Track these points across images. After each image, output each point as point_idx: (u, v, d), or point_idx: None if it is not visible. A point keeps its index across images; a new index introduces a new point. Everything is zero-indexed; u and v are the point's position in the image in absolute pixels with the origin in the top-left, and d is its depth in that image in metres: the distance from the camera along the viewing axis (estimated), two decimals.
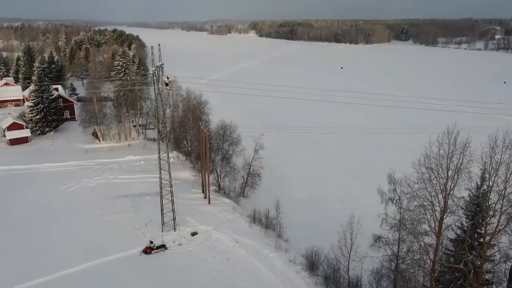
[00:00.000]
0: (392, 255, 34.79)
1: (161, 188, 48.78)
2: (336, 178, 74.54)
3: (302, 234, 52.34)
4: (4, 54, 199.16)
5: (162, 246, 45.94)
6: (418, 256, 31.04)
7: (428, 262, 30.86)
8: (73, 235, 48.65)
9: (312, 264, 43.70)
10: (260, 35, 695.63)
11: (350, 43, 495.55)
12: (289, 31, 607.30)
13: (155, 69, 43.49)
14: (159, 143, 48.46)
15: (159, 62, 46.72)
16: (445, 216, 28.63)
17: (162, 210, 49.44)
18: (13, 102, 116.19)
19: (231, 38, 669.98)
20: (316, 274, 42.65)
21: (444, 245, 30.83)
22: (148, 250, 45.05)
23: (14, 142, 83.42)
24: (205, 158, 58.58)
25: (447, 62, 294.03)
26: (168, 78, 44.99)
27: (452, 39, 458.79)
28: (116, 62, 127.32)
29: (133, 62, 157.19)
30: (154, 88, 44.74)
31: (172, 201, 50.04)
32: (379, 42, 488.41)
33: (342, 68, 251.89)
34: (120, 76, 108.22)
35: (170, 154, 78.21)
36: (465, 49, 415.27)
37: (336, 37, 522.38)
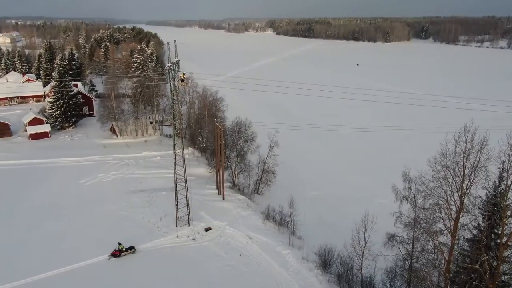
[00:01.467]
0: (406, 254, 34.38)
1: (176, 183, 49.28)
2: (351, 176, 74.02)
3: (315, 232, 52.34)
4: (27, 51, 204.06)
5: (131, 248, 44.55)
6: (433, 255, 30.54)
7: (443, 262, 30.36)
8: (89, 228, 49.59)
9: (325, 262, 43.56)
10: (277, 33, 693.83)
11: (369, 41, 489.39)
12: (306, 29, 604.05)
13: (170, 65, 43.89)
14: (174, 139, 48.92)
15: (175, 58, 47.12)
16: (461, 216, 28.11)
17: (176, 205, 49.96)
18: (34, 98, 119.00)
19: (248, 36, 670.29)
20: (329, 272, 42.49)
21: (459, 245, 30.26)
22: (117, 253, 43.70)
23: (34, 136, 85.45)
24: (220, 155, 58.87)
25: (467, 60, 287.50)
26: (184, 74, 45.34)
27: (474, 37, 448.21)
28: (134, 59, 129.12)
29: (151, 59, 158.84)
30: (170, 84, 45.18)
31: (187, 197, 50.50)
32: (398, 41, 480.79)
33: (358, 65, 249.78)
34: (138, 73, 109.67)
35: (186, 151, 79.08)
36: (487, 47, 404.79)
37: (354, 35, 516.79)
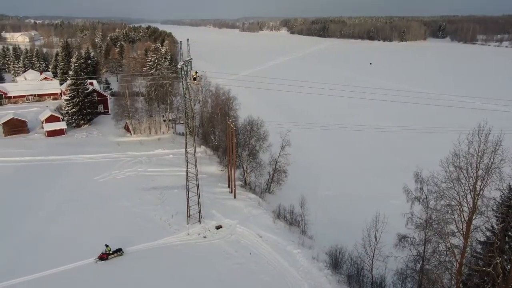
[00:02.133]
0: (417, 256, 33.95)
1: (187, 181, 49.62)
2: (364, 176, 73.50)
3: (327, 232, 52.10)
4: (44, 50, 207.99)
5: (119, 250, 43.56)
6: (445, 257, 30.08)
7: (455, 264, 29.90)
8: (102, 224, 50.32)
9: (335, 262, 43.31)
10: (292, 32, 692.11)
11: (384, 40, 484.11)
12: (321, 28, 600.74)
13: (183, 64, 44.20)
14: (186, 137, 49.25)
15: (187, 57, 47.39)
16: (473, 217, 27.63)
17: (188, 203, 50.31)
18: (51, 96, 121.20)
19: (262, 35, 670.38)
20: (339, 272, 42.24)
21: (472, 247, 29.75)
22: (104, 256, 42.55)
23: (51, 133, 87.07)
24: (231, 153, 59.06)
25: (484, 60, 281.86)
26: (196, 73, 45.61)
27: (492, 37, 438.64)
28: (149, 58, 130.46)
29: (165, 58, 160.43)
30: (182, 82, 45.52)
31: (198, 195, 50.82)
32: (414, 40, 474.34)
33: (371, 64, 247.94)
34: (152, 71, 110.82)
35: (198, 149, 79.64)
36: (506, 47, 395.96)
37: (369, 34, 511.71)
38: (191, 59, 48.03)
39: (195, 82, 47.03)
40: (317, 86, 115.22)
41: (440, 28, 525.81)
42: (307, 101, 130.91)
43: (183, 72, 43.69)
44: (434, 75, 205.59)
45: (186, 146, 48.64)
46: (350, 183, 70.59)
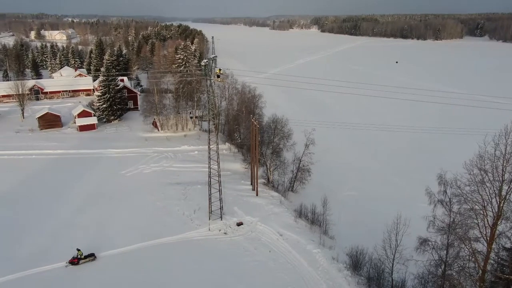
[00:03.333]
0: (439, 260, 32.89)
1: (209, 177, 50.20)
2: (389, 177, 72.06)
3: (349, 233, 51.44)
4: (80, 47, 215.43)
5: (91, 255, 42.38)
6: (467, 263, 29.01)
7: (478, 271, 28.79)
8: (125, 217, 51.71)
9: (355, 263, 42.69)
10: (322, 31, 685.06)
11: (418, 39, 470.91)
12: (352, 26, 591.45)
13: (206, 61, 44.70)
14: (209, 133, 49.82)
15: (213, 54, 47.85)
16: (498, 223, 26.50)
17: (210, 199, 50.92)
18: (84, 92, 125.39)
19: (292, 33, 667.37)
20: (359, 274, 41.61)
21: (497, 254, 28.54)
22: (75, 261, 41.42)
23: (82, 128, 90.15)
24: (254, 151, 59.23)
25: None
26: (219, 70, 46.05)
27: None
28: (178, 56, 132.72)
29: (194, 56, 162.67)
30: (206, 79, 46.03)
31: (220, 191, 51.32)
32: (450, 38, 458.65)
33: (397, 62, 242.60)
34: (181, 69, 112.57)
35: (223, 146, 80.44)
36: None
37: (403, 32, 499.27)
38: (216, 56, 48.50)
39: (219, 79, 47.28)
40: (345, 85, 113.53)
41: (478, 26, 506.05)
42: (335, 99, 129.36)
43: (207, 70, 44.18)
44: (468, 74, 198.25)
45: (209, 142, 49.21)
46: (375, 183, 69.38)
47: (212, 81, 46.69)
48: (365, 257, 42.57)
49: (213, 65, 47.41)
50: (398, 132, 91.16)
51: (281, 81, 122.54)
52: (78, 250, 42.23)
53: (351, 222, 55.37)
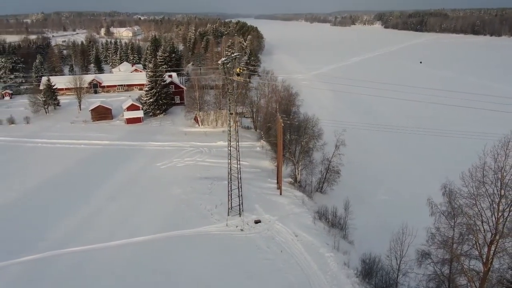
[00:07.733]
0: (441, 275, 30.74)
1: (229, 174, 51.14)
2: (426, 184, 67.88)
3: (372, 239, 49.64)
4: (141, 43, 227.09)
5: None
6: (465, 281, 26.92)
7: None
8: (152, 207, 54.31)
9: (368, 271, 41.28)
10: (386, 27, 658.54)
11: (491, 35, 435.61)
12: (418, 22, 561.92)
13: (225, 60, 45.39)
14: (229, 131, 50.60)
15: (236, 53, 48.49)
16: (497, 239, 24.29)
17: (229, 195, 51.85)
18: (138, 86, 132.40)
19: (353, 29, 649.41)
20: (369, 282, 40.18)
21: (498, 273, 26.15)
22: None
23: (129, 121, 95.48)
24: (280, 149, 59.14)
25: None
26: (240, 69, 46.55)
27: None
28: (226, 53, 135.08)
29: (245, 53, 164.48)
30: (226, 77, 46.80)
31: (239, 188, 52.02)
32: None
33: (421, 62, 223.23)
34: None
35: (258, 143, 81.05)
36: None
37: (474, 28, 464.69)
38: (239, 55, 49.04)
39: (239, 78, 47.86)
40: (390, 89, 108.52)
41: None
42: (381, 100, 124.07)
43: (225, 68, 44.87)
44: None
45: (229, 139, 50.01)
46: (411, 189, 65.89)
47: (231, 79, 47.34)
48: (377, 265, 41.01)
49: (236, 63, 48.04)
50: (440, 137, 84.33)
51: (323, 83, 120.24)
52: None
53: (378, 227, 53.42)
